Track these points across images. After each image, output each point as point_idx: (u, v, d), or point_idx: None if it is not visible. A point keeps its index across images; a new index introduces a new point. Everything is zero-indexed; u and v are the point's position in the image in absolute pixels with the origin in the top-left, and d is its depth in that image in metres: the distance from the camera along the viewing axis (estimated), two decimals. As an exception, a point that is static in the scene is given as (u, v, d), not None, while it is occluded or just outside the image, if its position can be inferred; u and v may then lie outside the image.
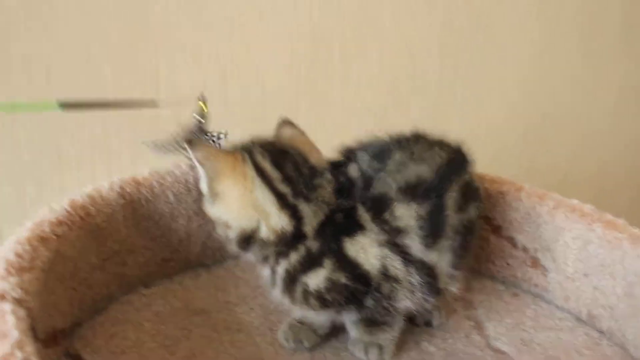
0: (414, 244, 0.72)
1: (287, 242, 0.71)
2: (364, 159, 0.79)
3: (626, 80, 1.81)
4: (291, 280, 0.72)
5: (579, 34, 1.68)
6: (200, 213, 0.91)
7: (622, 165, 1.91)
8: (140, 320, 0.81)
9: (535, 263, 0.94)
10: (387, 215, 0.72)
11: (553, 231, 0.91)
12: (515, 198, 0.94)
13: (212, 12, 1.24)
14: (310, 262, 0.71)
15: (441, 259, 0.75)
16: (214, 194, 0.72)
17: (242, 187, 0.71)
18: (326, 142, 1.38)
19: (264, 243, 0.72)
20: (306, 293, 0.72)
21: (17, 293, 0.60)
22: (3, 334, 0.54)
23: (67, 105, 0.71)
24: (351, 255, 0.71)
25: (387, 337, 0.77)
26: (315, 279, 0.71)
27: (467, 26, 1.51)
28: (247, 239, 0.72)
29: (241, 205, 0.71)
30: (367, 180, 0.76)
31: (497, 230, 0.96)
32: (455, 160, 0.81)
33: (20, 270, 0.64)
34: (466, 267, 0.81)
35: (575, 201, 0.92)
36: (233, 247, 0.74)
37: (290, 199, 0.71)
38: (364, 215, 0.72)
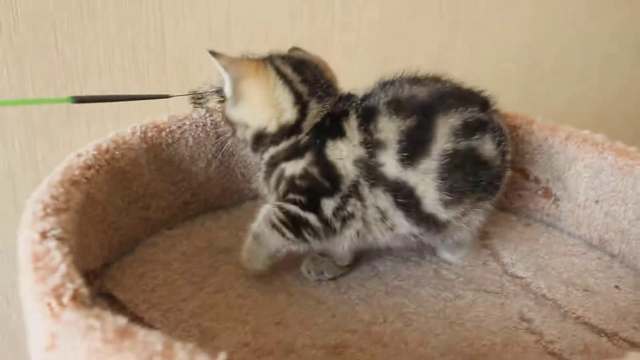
0: (390, 161, 0.74)
1: (284, 133, 0.78)
2: (374, 87, 0.82)
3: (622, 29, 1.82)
4: (272, 165, 0.78)
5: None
6: (218, 155, 0.93)
7: (616, 112, 1.94)
8: (167, 260, 0.83)
9: (547, 193, 0.97)
10: (371, 127, 0.75)
11: (565, 161, 0.93)
12: (527, 131, 0.96)
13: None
14: (294, 152, 0.77)
15: (425, 182, 0.74)
16: (237, 96, 0.78)
17: (265, 87, 0.77)
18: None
19: (267, 135, 0.78)
20: (280, 178, 0.77)
21: (57, 232, 0.62)
22: (52, 269, 0.56)
23: (80, 99, 0.75)
24: (329, 156, 0.76)
25: (281, 245, 0.78)
26: (292, 167, 0.77)
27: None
28: (260, 137, 0.79)
29: (262, 105, 0.78)
30: (366, 96, 0.80)
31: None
32: (462, 92, 0.81)
33: (57, 210, 0.66)
34: (484, 203, 0.80)
35: (586, 132, 0.94)
36: (248, 149, 0.81)
37: (305, 96, 0.78)
38: (353, 123, 0.76)
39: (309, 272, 0.82)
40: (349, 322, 0.74)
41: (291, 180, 0.77)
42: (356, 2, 1.40)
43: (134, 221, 0.85)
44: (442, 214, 0.77)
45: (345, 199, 0.75)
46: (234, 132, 0.82)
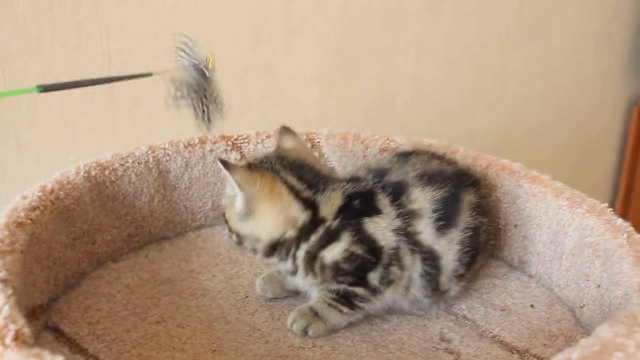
0: (426, 229, 0.82)
1: (307, 230, 0.81)
2: (370, 167, 0.90)
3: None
4: (311, 259, 0.82)
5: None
6: (161, 190, 0.99)
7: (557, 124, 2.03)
8: (111, 292, 0.88)
9: (471, 218, 1.03)
10: (404, 199, 0.83)
11: (486, 188, 1.00)
12: (452, 160, 1.03)
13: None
14: (329, 239, 0.81)
15: (449, 250, 0.84)
16: (250, 213, 0.81)
17: (280, 206, 0.81)
18: (276, 112, 1.46)
19: (288, 241, 0.82)
20: (323, 267, 0.81)
21: (2, 274, 0.67)
22: (-5, 311, 0.61)
23: (48, 88, 0.73)
24: (369, 231, 0.81)
25: (342, 320, 0.83)
26: (332, 252, 0.81)
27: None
28: (274, 246, 0.82)
29: (276, 221, 0.81)
30: (380, 172, 0.87)
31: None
32: (471, 174, 0.92)
33: (2, 253, 0.70)
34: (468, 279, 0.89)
35: (505, 160, 1.02)
36: (259, 256, 0.84)
37: (311, 198, 0.82)
38: (383, 200, 0.83)
39: (265, 291, 0.89)
40: (281, 347, 0.79)
41: (335, 266, 0.81)
42: (299, 27, 1.46)
43: (79, 256, 0.90)
44: (452, 288, 0.87)
45: (387, 267, 0.82)
46: (239, 243, 0.84)
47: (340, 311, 0.83)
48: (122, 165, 0.94)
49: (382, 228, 0.81)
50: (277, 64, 1.46)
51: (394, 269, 0.82)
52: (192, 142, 1.02)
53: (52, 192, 0.84)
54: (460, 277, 0.86)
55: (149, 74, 0.81)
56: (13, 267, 0.70)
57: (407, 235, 0.82)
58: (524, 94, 1.92)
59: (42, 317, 0.80)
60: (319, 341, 0.81)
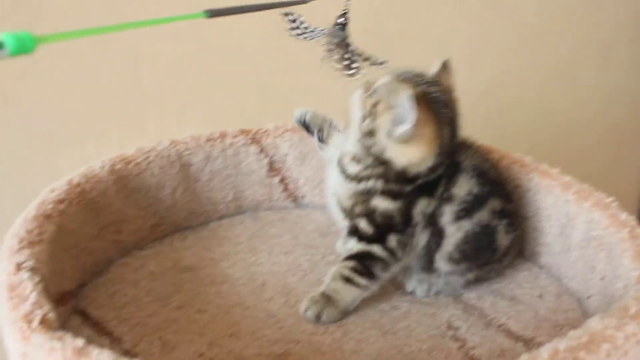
0: (448, 213, 0.87)
1: (403, 180, 0.88)
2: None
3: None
4: (367, 193, 0.89)
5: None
6: (183, 183, 1.03)
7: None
8: (136, 279, 0.93)
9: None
10: (451, 182, 0.88)
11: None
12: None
13: None
14: (392, 195, 0.88)
15: (454, 234, 0.88)
16: (403, 140, 0.85)
17: (425, 152, 0.86)
18: (299, 101, 1.48)
19: (392, 171, 0.88)
20: (365, 202, 0.89)
21: (31, 263, 0.72)
22: (24, 297, 0.66)
23: (215, 13, 0.76)
24: (415, 210, 0.88)
25: (356, 296, 0.88)
26: (382, 203, 0.88)
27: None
28: (386, 167, 0.88)
29: (418, 159, 0.86)
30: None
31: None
32: (504, 185, 0.96)
33: (31, 243, 0.76)
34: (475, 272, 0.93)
35: (517, 154, 1.04)
36: (358, 167, 0.90)
37: (439, 157, 0.87)
38: (441, 183, 0.88)
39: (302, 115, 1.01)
40: (294, 333, 0.84)
41: (372, 211, 0.88)
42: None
43: (106, 244, 0.95)
44: (443, 264, 0.90)
45: (407, 236, 0.88)
46: (366, 143, 0.88)
47: (357, 285, 0.87)
48: (145, 159, 0.99)
49: (423, 210, 0.87)
50: (300, 55, 1.49)
51: (412, 240, 0.88)
52: (212, 137, 1.06)
53: (78, 185, 0.89)
54: (455, 261, 0.89)
55: (303, 2, 0.84)
56: (41, 256, 0.75)
57: (433, 215, 0.88)
58: (550, 88, 1.92)
59: (70, 302, 0.85)
60: (330, 327, 0.85)
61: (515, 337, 0.85)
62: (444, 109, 0.87)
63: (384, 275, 0.89)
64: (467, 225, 0.88)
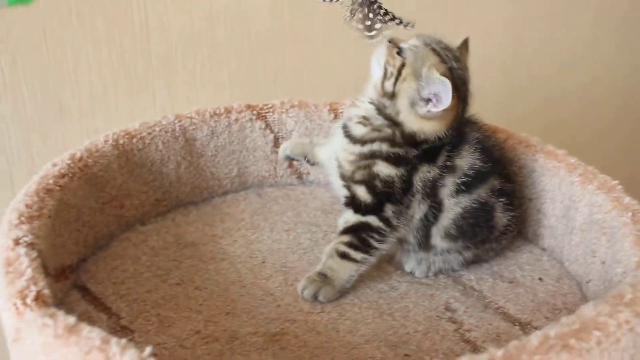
0: (449, 185, 0.88)
1: (410, 143, 0.88)
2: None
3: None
4: (370, 156, 0.89)
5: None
6: (188, 157, 1.03)
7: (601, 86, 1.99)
8: (137, 254, 0.94)
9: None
10: (455, 152, 0.88)
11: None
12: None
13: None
14: (395, 160, 0.88)
15: (452, 209, 0.88)
16: (431, 116, 0.86)
17: (448, 121, 0.87)
18: (309, 77, 1.47)
19: (403, 133, 0.88)
20: (367, 167, 0.88)
21: (29, 238, 0.73)
22: (20, 273, 0.67)
23: None
24: (415, 178, 0.88)
25: (352, 273, 0.88)
26: (387, 170, 0.88)
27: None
28: (399, 130, 0.88)
29: (437, 130, 0.87)
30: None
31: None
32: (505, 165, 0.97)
33: (30, 218, 0.76)
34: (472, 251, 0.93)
35: (523, 134, 1.03)
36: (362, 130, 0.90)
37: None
38: (445, 150, 0.88)
39: (285, 149, 1.00)
40: (291, 312, 0.84)
41: (373, 177, 0.87)
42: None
43: (108, 219, 0.95)
44: (439, 241, 0.90)
45: (404, 206, 0.88)
46: (384, 104, 0.88)
47: (354, 260, 0.87)
48: (149, 133, 0.99)
49: (423, 177, 0.87)
50: (312, 31, 1.48)
51: (408, 210, 0.88)
52: (218, 112, 1.06)
53: (81, 159, 0.90)
54: (450, 236, 0.89)
55: None
56: (40, 232, 0.75)
57: (434, 184, 0.87)
58: (567, 57, 1.89)
59: (71, 277, 0.86)
60: (327, 307, 0.85)
61: (512, 320, 0.85)
62: (462, 87, 0.88)
63: (381, 247, 0.89)
64: (465, 200, 0.88)
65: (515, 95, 1.81)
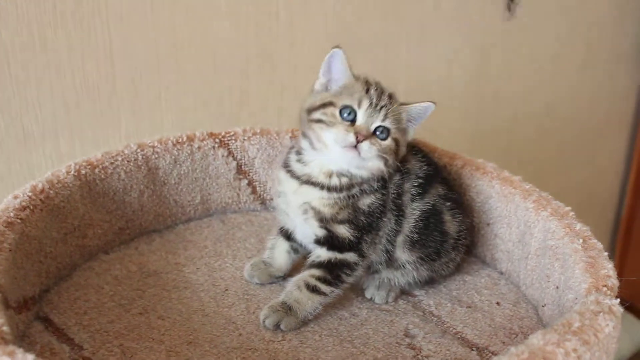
0: (410, 190, 0.93)
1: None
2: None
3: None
4: (350, 196, 0.91)
5: None
6: (151, 186, 1.04)
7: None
8: (100, 284, 0.94)
9: (447, 215, 1.08)
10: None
11: (460, 188, 1.04)
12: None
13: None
14: (369, 190, 0.91)
15: (412, 214, 0.92)
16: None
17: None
18: (274, 100, 1.48)
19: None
20: (354, 206, 0.90)
21: (-12, 274, 0.73)
22: (-22, 310, 0.67)
23: None
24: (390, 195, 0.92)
25: (317, 306, 0.89)
26: (366, 201, 0.90)
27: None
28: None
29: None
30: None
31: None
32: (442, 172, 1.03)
33: (-10, 253, 0.76)
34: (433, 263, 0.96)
35: (480, 160, 1.05)
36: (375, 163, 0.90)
37: None
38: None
39: (252, 277, 0.97)
40: (253, 340, 0.85)
41: (358, 212, 0.89)
42: (300, 20, 1.49)
43: (70, 249, 0.96)
44: (401, 253, 0.93)
45: (377, 230, 0.92)
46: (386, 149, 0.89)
47: (323, 293, 0.89)
48: (111, 163, 1.00)
49: (396, 183, 0.92)
50: (277, 54, 1.50)
51: (379, 233, 0.92)
52: (180, 140, 1.07)
53: (42, 191, 0.90)
54: (412, 245, 0.93)
55: None
56: (0, 266, 0.76)
57: (399, 195, 0.92)
58: (532, 77, 1.93)
59: (33, 308, 0.86)
60: (288, 335, 0.86)
61: (470, 345, 0.87)
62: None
63: (352, 280, 0.91)
64: (420, 205, 0.93)
65: (481, 112, 1.85)
